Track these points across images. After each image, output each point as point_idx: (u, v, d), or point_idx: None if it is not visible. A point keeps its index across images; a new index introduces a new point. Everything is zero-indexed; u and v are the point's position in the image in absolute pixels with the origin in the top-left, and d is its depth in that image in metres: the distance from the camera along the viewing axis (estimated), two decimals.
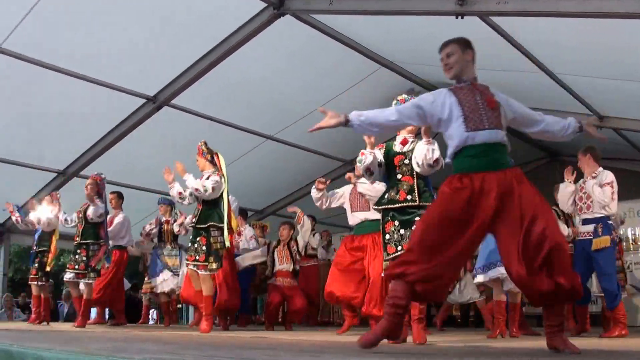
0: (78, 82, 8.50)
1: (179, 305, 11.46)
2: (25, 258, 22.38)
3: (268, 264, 8.98)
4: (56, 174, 10.75)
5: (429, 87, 9.98)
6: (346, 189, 7.18)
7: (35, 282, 8.82)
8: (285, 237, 8.67)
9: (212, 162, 7.29)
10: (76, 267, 7.90)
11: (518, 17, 6.83)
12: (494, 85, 8.90)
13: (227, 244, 6.91)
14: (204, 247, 6.81)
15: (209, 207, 7.03)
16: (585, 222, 7.03)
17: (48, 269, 8.77)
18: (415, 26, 7.84)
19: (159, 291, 9.76)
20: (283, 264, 8.54)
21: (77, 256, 7.97)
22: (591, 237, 6.84)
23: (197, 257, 6.79)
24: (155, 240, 9.99)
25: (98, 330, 6.70)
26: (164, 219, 10.03)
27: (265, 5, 7.81)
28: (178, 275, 9.49)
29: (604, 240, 6.71)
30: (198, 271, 6.83)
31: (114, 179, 10.90)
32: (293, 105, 10.01)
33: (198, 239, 6.87)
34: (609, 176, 6.87)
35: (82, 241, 8.02)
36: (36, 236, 9.04)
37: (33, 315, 8.79)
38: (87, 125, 9.55)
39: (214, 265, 6.81)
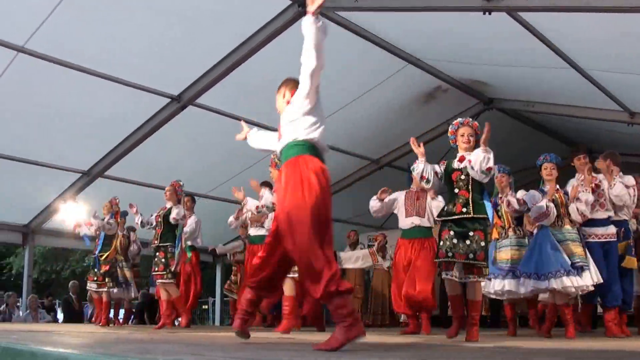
0: (102, 82, 8.48)
1: (204, 307, 11.48)
2: (51, 259, 22.62)
3: None
4: (80, 175, 10.75)
5: (456, 84, 9.89)
6: (399, 195, 7.60)
7: (105, 288, 8.98)
8: None
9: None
10: (156, 269, 8.23)
11: (546, 12, 6.72)
12: (522, 82, 8.83)
13: None
14: None
15: None
16: (601, 223, 6.93)
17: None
18: (443, 23, 7.76)
19: None
20: None
21: (156, 258, 8.30)
22: (613, 240, 6.87)
23: None
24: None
25: (123, 332, 6.66)
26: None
27: (289, 2, 7.76)
28: None
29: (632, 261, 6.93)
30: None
31: (138, 179, 10.96)
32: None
33: None
34: (631, 180, 7.00)
35: (160, 244, 8.30)
36: (100, 241, 9.19)
37: (102, 320, 8.98)
38: (111, 125, 9.55)
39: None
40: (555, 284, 6.06)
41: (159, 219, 8.43)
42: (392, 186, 12.62)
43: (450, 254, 5.29)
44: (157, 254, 8.30)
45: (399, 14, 7.71)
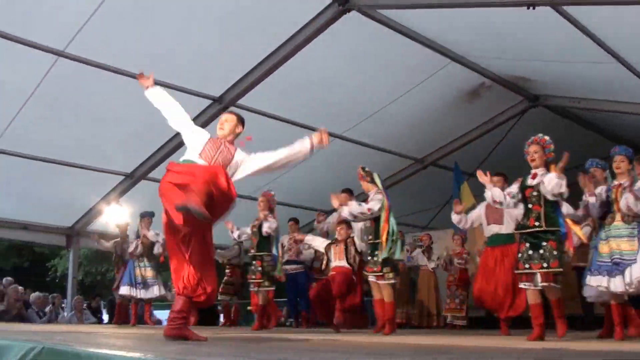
0: None
1: (249, 308, 11.49)
2: (95, 261, 22.96)
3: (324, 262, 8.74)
4: (124, 177, 10.84)
5: (500, 81, 9.72)
6: (481, 206, 7.85)
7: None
8: (343, 237, 8.24)
9: (373, 182, 7.68)
10: (253, 277, 8.55)
11: (591, 5, 6.57)
12: (568, 78, 8.59)
13: (399, 255, 7.63)
14: (379, 258, 7.24)
15: (378, 223, 7.40)
16: None
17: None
18: (486, 18, 7.63)
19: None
20: (337, 261, 8.15)
21: (252, 267, 8.63)
22: None
23: (375, 269, 7.26)
24: None
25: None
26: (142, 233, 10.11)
27: (330, 1, 7.69)
28: None
29: None
30: (378, 281, 7.30)
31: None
32: (361, 103, 9.87)
33: (376, 252, 7.30)
34: None
35: (257, 253, 8.59)
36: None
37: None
38: (153, 127, 9.52)
39: (391, 275, 7.24)
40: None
41: (254, 229, 8.68)
42: (437, 185, 12.59)
43: (527, 265, 5.81)
44: (254, 262, 8.60)
45: (441, 10, 7.60)
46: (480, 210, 7.85)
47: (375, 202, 7.33)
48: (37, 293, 12.18)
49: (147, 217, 9.80)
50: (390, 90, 9.58)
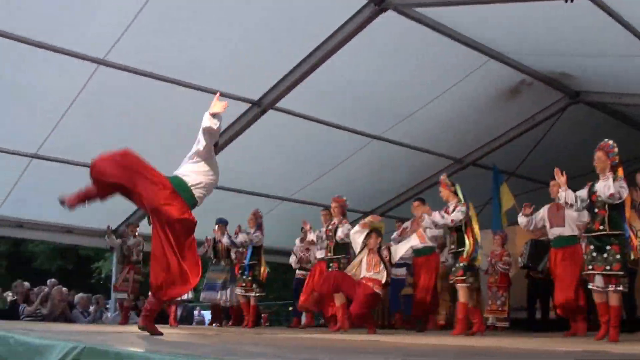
0: (182, 90, 8.64)
1: (290, 308, 11.58)
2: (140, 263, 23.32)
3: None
4: None
5: (541, 78, 9.60)
6: (544, 209, 7.94)
7: (252, 293, 9.86)
8: (373, 246, 8.12)
9: (455, 193, 8.05)
10: None
11: None
12: (609, 73, 8.46)
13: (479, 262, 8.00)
14: (461, 264, 7.74)
15: (460, 232, 7.93)
16: None
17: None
18: (523, 13, 7.54)
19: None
20: (370, 272, 8.01)
21: (329, 269, 8.91)
22: None
23: (457, 274, 7.79)
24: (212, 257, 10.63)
25: (209, 333, 6.77)
26: (218, 238, 10.43)
27: (366, 1, 7.68)
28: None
29: None
30: (457, 284, 7.83)
31: (222, 185, 11.04)
32: (399, 103, 9.83)
33: (459, 259, 7.80)
34: None
35: (334, 256, 8.93)
36: (249, 251, 9.96)
37: (249, 323, 9.88)
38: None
39: (471, 280, 7.77)
40: None
41: (329, 233, 9.06)
42: (477, 186, 12.45)
43: (590, 267, 6.20)
44: (331, 264, 8.89)
45: (478, 7, 7.56)
46: (543, 213, 7.97)
47: (459, 213, 7.80)
48: (81, 294, 12.40)
49: (220, 223, 10.32)
50: (428, 89, 9.53)
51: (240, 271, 10.02)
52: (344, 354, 3.35)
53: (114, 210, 11.21)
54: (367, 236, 8.14)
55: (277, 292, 21.96)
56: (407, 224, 9.87)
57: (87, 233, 11.58)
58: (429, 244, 8.78)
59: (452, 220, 7.81)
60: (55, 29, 7.35)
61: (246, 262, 9.84)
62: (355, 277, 7.95)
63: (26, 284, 12.13)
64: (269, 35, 8.04)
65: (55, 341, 3.61)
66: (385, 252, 8.18)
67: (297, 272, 10.83)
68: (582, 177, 10.83)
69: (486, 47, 8.73)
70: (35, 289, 12.22)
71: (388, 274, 8.01)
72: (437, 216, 7.94)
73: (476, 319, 8.03)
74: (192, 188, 5.50)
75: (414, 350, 4.03)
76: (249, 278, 9.77)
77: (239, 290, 9.90)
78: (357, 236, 8.26)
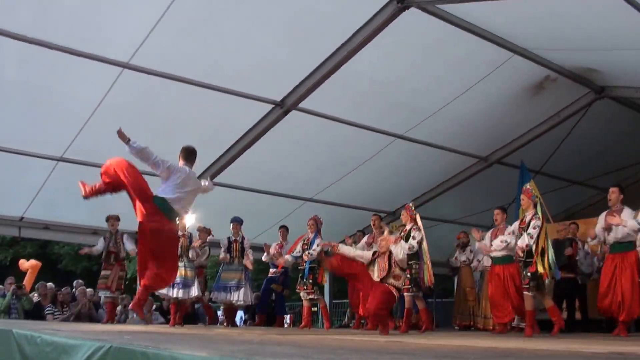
0: (206, 92, 8.69)
1: (315, 309, 11.68)
2: None
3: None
4: None
5: (565, 73, 9.51)
6: (601, 216, 8.20)
7: (314, 295, 10.09)
8: (384, 249, 7.88)
9: (536, 206, 8.23)
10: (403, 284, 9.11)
11: None
12: (635, 67, 8.33)
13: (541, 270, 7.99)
14: (529, 274, 7.95)
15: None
16: None
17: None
18: (547, 9, 7.46)
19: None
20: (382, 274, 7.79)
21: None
22: None
23: (523, 282, 8.09)
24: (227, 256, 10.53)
25: (233, 333, 6.78)
26: (233, 237, 10.38)
27: (387, 0, 7.66)
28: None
29: None
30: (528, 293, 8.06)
31: (246, 185, 11.13)
32: (423, 102, 9.80)
33: (527, 268, 8.00)
34: None
35: (407, 262, 8.97)
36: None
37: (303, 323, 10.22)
38: (218, 133, 9.74)
39: (534, 288, 7.98)
40: None
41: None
42: (503, 184, 12.37)
43: None
44: (404, 270, 8.93)
45: (501, 2, 7.45)
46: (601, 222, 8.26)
47: (536, 230, 7.92)
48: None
49: (235, 222, 10.35)
50: (452, 87, 9.49)
51: (300, 275, 10.13)
52: (371, 355, 3.32)
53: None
54: (380, 240, 7.99)
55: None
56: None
57: None
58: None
59: (531, 237, 7.92)
60: (80, 34, 7.44)
61: (306, 265, 9.91)
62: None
63: (50, 284, 12.28)
64: (291, 36, 8.07)
65: (82, 341, 3.66)
66: (393, 255, 7.77)
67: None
68: (610, 174, 10.77)
69: (510, 43, 8.68)
70: (63, 290, 12.38)
71: (396, 278, 7.76)
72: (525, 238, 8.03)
73: (555, 316, 8.21)
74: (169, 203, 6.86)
75: (441, 350, 4.00)
76: (310, 281, 9.89)
77: (302, 294, 10.03)
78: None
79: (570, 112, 10.49)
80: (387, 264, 7.60)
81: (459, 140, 11.12)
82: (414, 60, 8.86)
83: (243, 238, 10.41)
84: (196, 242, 9.69)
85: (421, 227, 8.74)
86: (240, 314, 13.66)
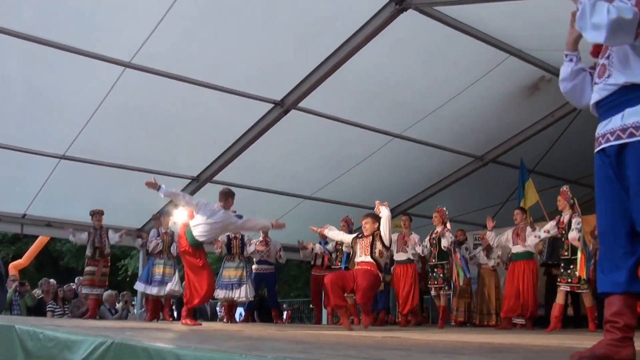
0: (207, 91, 8.79)
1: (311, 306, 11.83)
2: None
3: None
4: (190, 180, 11.13)
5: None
6: None
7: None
8: (369, 231, 7.83)
9: (573, 206, 8.49)
10: (435, 282, 9.93)
11: None
12: None
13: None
14: (576, 272, 8.25)
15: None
16: None
17: None
18: (543, 10, 7.54)
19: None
20: (362, 255, 7.85)
21: (434, 274, 9.95)
22: None
23: (570, 280, 8.37)
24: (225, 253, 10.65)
25: (232, 329, 6.89)
26: (232, 235, 10.48)
27: (386, 1, 7.76)
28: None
29: None
30: (573, 291, 8.52)
31: (246, 183, 11.23)
32: (420, 102, 9.90)
33: (570, 266, 8.34)
34: None
35: (438, 262, 9.90)
36: (344, 256, 10.52)
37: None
38: (218, 132, 9.86)
39: (585, 286, 8.32)
40: None
41: (433, 241, 9.90)
42: (498, 183, 12.49)
43: None
44: (436, 270, 9.91)
45: (497, 4, 7.57)
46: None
47: (580, 226, 8.21)
48: (109, 291, 12.62)
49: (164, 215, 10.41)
50: (448, 87, 9.58)
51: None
52: (368, 350, 3.38)
53: (141, 209, 11.45)
54: (364, 220, 7.92)
55: (301, 289, 22.10)
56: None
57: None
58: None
59: (579, 231, 8.22)
60: (83, 33, 7.53)
61: (342, 266, 10.30)
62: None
63: (53, 281, 12.38)
64: (291, 36, 8.15)
65: (84, 336, 3.70)
66: (377, 236, 7.72)
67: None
68: None
69: (505, 44, 8.77)
70: (65, 287, 12.48)
71: (381, 261, 7.81)
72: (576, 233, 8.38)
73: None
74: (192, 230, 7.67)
75: (437, 346, 4.06)
76: None
77: None
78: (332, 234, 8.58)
79: (564, 112, 10.59)
80: (369, 246, 7.64)
81: (455, 140, 11.22)
82: (412, 61, 8.95)
83: (242, 235, 10.53)
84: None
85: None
86: (239, 310, 13.76)
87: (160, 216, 10.34)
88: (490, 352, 3.51)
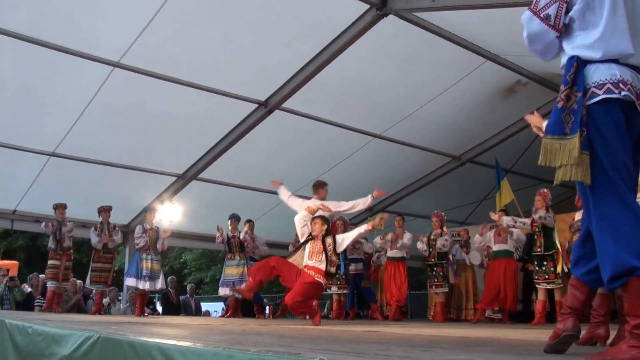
0: (193, 91, 8.97)
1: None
2: None
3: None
4: (176, 178, 11.31)
5: (535, 78, 9.85)
6: None
7: (345, 290, 10.86)
8: (318, 232, 7.39)
9: (548, 208, 8.71)
10: (435, 280, 10.36)
11: None
12: None
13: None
14: (552, 268, 8.58)
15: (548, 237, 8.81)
16: None
17: None
18: (518, 17, 7.72)
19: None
20: (312, 260, 7.30)
21: (434, 272, 10.36)
22: None
23: (547, 277, 8.61)
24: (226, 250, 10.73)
25: (216, 323, 6.96)
26: (231, 233, 10.59)
27: (368, 7, 7.96)
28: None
29: None
30: (548, 287, 8.60)
31: (229, 181, 11.43)
32: (400, 104, 10.11)
33: (544, 262, 8.63)
34: None
35: (437, 261, 10.32)
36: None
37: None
38: (203, 131, 10.02)
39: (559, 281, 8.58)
40: None
41: (433, 242, 10.29)
42: (475, 182, 12.75)
43: None
44: (435, 269, 10.34)
45: (475, 11, 7.78)
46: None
47: (550, 220, 8.54)
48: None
49: (233, 218, 10.54)
50: (428, 90, 9.78)
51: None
52: (349, 344, 3.44)
53: (127, 206, 11.60)
54: (312, 222, 7.46)
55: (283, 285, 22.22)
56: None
57: None
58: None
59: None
60: (73, 34, 7.68)
61: (342, 262, 10.35)
62: (298, 265, 7.35)
63: (42, 276, 12.49)
64: (276, 39, 8.34)
65: (72, 331, 3.74)
66: (329, 240, 7.34)
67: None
68: None
69: (483, 49, 9.00)
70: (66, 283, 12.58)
71: (331, 264, 7.27)
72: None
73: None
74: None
75: (416, 340, 4.10)
76: (343, 277, 10.57)
77: (334, 289, 10.65)
78: (298, 221, 7.71)
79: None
80: (321, 248, 7.25)
81: (433, 140, 11.46)
82: (393, 64, 9.15)
83: (240, 233, 10.63)
84: (166, 233, 9.90)
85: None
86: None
87: (146, 212, 10.45)
88: (469, 345, 3.56)
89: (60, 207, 9.86)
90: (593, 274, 2.76)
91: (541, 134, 3.73)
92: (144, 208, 11.03)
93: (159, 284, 9.87)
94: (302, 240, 7.62)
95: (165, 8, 7.40)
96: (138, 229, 9.93)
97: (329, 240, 7.31)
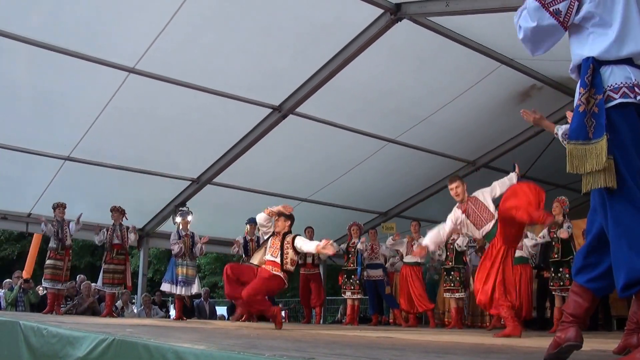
0: (208, 96, 9.00)
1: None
2: (164, 260, 23.74)
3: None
4: (190, 182, 11.35)
5: (550, 83, 9.79)
6: None
7: (359, 295, 11.04)
8: (280, 229, 7.34)
9: (565, 215, 8.80)
10: (451, 285, 10.34)
11: None
12: None
13: None
14: (567, 275, 8.55)
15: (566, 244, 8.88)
16: None
17: None
18: None
19: None
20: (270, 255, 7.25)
21: (450, 277, 10.37)
22: None
23: (561, 284, 8.69)
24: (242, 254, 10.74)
25: (231, 327, 7.01)
26: (249, 237, 10.63)
27: (382, 11, 7.95)
28: None
29: None
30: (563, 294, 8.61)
31: (244, 185, 11.45)
32: (414, 108, 10.09)
33: (560, 269, 8.65)
34: None
35: (454, 265, 10.35)
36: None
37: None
38: (217, 135, 10.05)
39: None
40: None
41: (450, 246, 10.35)
42: None
43: None
44: (452, 273, 10.35)
45: (490, 15, 7.74)
46: None
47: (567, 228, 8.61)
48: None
49: (251, 223, 10.48)
50: (442, 95, 9.75)
51: (348, 276, 10.91)
52: (363, 349, 3.45)
53: (142, 210, 11.64)
54: (276, 220, 7.40)
55: (297, 289, 22.16)
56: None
57: None
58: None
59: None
60: (88, 40, 7.74)
61: (358, 268, 10.70)
62: (261, 263, 7.26)
63: None
64: (290, 44, 8.35)
65: (86, 333, 3.78)
66: (288, 238, 7.24)
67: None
68: None
69: (497, 54, 8.94)
70: (67, 284, 12.65)
71: (290, 262, 7.19)
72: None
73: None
74: None
75: (430, 346, 4.08)
76: (357, 282, 10.78)
77: (348, 294, 10.82)
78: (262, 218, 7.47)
79: (554, 119, 10.76)
80: (279, 245, 7.17)
81: (448, 145, 11.40)
82: (407, 68, 9.13)
83: (258, 238, 10.48)
84: (204, 239, 10.03)
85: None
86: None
87: (181, 218, 10.42)
88: (483, 352, 3.55)
89: (60, 207, 9.88)
90: (599, 282, 2.69)
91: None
92: (180, 211, 11.00)
93: (194, 289, 9.97)
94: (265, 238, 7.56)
95: (179, 14, 7.43)
96: (173, 236, 9.99)
97: (288, 238, 7.25)
